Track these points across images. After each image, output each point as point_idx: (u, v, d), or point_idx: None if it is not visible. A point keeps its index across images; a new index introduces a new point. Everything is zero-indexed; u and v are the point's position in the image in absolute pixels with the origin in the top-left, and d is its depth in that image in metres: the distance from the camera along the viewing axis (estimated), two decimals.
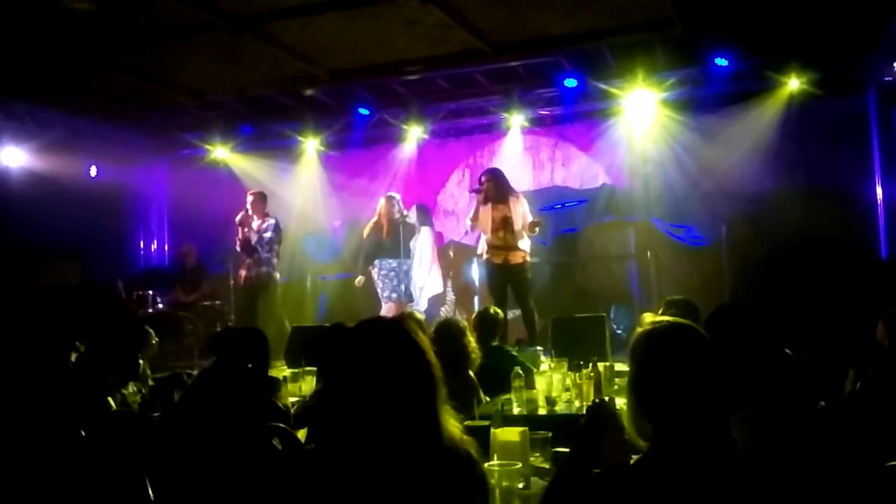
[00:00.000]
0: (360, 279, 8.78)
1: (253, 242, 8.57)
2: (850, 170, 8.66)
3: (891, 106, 8.27)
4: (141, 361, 4.39)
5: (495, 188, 7.56)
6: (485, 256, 7.66)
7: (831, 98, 8.58)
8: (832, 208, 8.49)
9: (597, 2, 7.12)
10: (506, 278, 7.56)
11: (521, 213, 7.54)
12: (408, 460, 1.74)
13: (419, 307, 8.54)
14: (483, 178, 7.70)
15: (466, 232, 8.45)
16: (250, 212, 8.64)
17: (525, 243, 7.57)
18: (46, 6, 6.63)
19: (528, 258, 7.63)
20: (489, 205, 7.54)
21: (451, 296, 9.55)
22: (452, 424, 1.84)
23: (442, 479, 1.76)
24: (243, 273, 8.69)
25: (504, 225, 7.49)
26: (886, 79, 8.17)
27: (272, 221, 8.72)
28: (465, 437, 1.86)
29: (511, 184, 7.84)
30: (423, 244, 8.64)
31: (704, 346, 1.94)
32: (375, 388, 1.75)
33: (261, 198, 8.78)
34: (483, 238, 7.66)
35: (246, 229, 8.63)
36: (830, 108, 8.59)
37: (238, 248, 8.73)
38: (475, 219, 7.64)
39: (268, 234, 8.63)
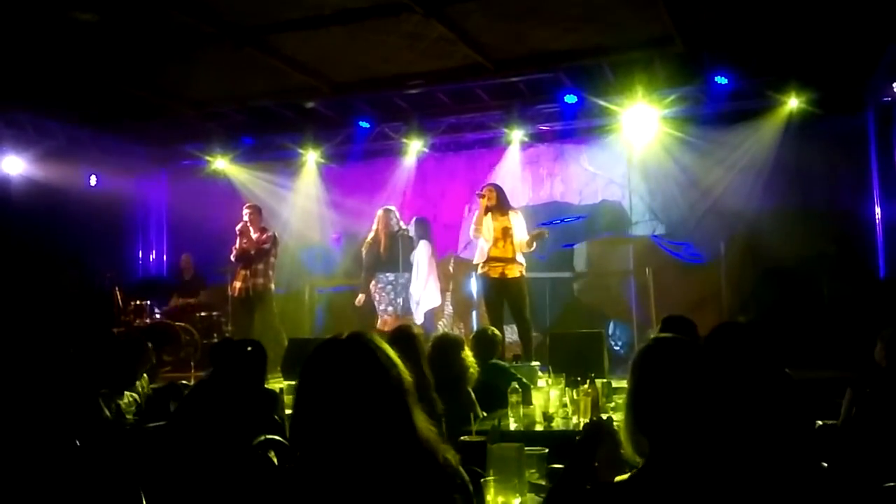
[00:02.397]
0: (360, 298, 8.71)
1: (251, 253, 8.59)
2: (849, 189, 8.68)
3: (889, 126, 8.29)
4: (138, 374, 4.38)
5: (497, 199, 7.62)
6: (481, 269, 7.67)
7: (830, 117, 8.60)
8: (830, 227, 8.51)
9: (597, 19, 7.15)
10: (502, 292, 7.57)
11: (520, 227, 7.60)
12: (386, 465, 1.76)
13: (416, 320, 8.52)
14: (484, 189, 7.75)
15: (468, 244, 8.45)
16: (249, 223, 8.70)
17: (521, 258, 7.60)
18: (49, 16, 6.65)
19: (524, 272, 7.64)
20: (489, 215, 7.58)
21: (449, 309, 9.53)
22: (427, 428, 1.87)
23: (422, 481, 1.78)
24: (238, 284, 8.70)
25: (505, 235, 7.54)
26: (885, 99, 8.19)
27: (271, 234, 8.84)
28: (442, 444, 1.89)
29: (510, 201, 7.88)
30: (420, 257, 8.63)
31: (701, 363, 1.94)
32: (340, 403, 1.79)
33: (257, 210, 8.91)
34: (481, 250, 7.67)
35: (245, 240, 8.66)
36: (829, 128, 8.61)
37: (233, 258, 8.75)
38: (478, 227, 7.67)
39: (266, 247, 8.71)
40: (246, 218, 8.74)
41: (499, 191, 7.76)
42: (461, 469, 1.89)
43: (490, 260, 7.55)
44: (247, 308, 8.71)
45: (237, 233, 8.74)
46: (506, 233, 7.53)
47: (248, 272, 8.64)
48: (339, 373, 1.82)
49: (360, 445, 1.77)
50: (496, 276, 7.55)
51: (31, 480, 2.84)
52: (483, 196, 7.68)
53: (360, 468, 1.75)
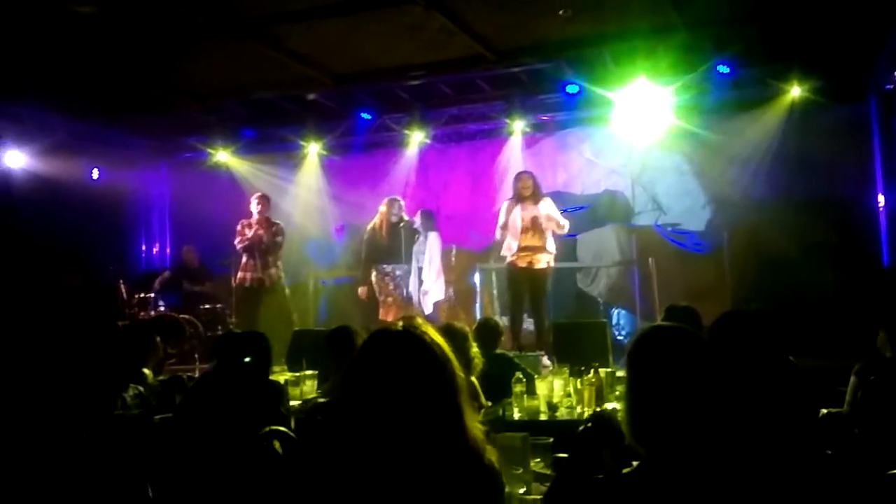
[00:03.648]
0: (362, 290, 8.70)
1: (263, 245, 8.59)
2: (852, 177, 8.66)
3: (892, 114, 8.27)
4: (146, 370, 4.39)
5: (533, 187, 7.69)
6: (508, 259, 7.71)
7: (833, 105, 8.59)
8: (834, 215, 8.51)
9: (599, 7, 7.13)
10: (527, 283, 7.63)
11: (551, 214, 7.64)
12: (433, 462, 1.72)
13: (424, 312, 8.53)
14: (522, 177, 7.82)
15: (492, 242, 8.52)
16: (262, 213, 8.69)
17: (553, 246, 7.67)
18: (49, 9, 6.64)
19: (552, 263, 7.70)
20: (520, 205, 7.64)
21: (452, 300, 9.54)
22: (476, 427, 1.82)
23: (468, 483, 1.74)
24: (248, 275, 8.65)
25: (533, 225, 7.59)
26: (888, 87, 8.17)
27: (281, 225, 8.86)
28: (488, 445, 1.84)
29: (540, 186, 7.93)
30: (431, 249, 8.65)
31: (702, 352, 1.93)
32: (392, 396, 1.74)
33: (267, 200, 8.89)
34: (508, 245, 7.71)
35: (259, 230, 8.64)
36: (832, 116, 8.59)
37: (241, 248, 8.67)
38: (504, 226, 7.71)
39: (280, 239, 8.75)
40: (259, 207, 8.71)
41: (534, 178, 7.82)
42: (502, 474, 1.85)
43: (519, 250, 7.62)
44: (255, 299, 8.67)
45: (247, 223, 8.70)
46: (535, 222, 7.58)
47: (260, 263, 8.60)
48: (394, 366, 1.77)
49: (410, 442, 1.72)
50: (524, 265, 7.62)
51: (37, 472, 2.85)
52: (515, 197, 7.70)
53: (406, 465, 1.71)
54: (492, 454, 1.82)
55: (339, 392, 1.82)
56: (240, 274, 8.74)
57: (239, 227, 8.76)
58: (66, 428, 3.06)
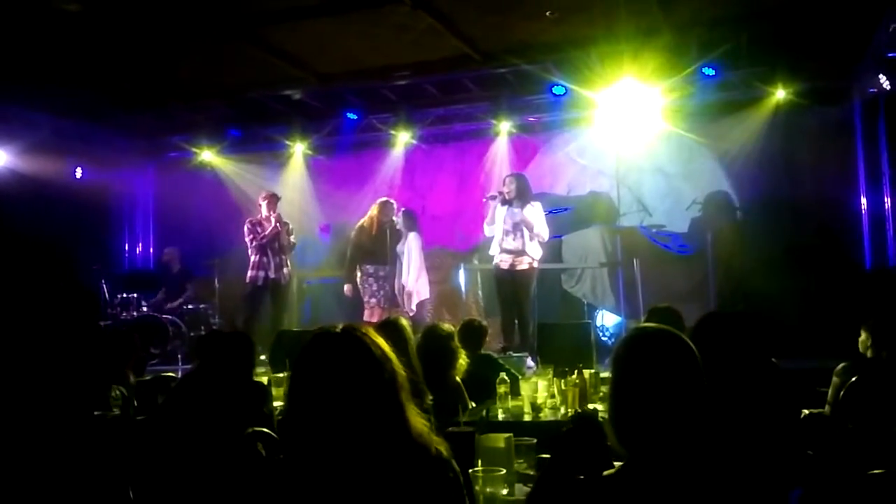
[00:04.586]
0: (347, 287, 8.67)
1: (277, 244, 8.56)
2: (836, 180, 8.71)
3: (875, 117, 8.33)
4: (127, 371, 4.36)
5: (517, 191, 7.70)
6: (494, 261, 7.81)
7: (817, 108, 8.64)
8: (817, 217, 8.56)
9: (586, 9, 7.15)
10: (509, 284, 7.69)
11: (538, 219, 7.67)
12: (379, 459, 1.77)
13: (408, 312, 8.52)
14: (507, 180, 7.87)
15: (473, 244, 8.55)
16: (275, 211, 8.65)
17: (535, 250, 7.68)
18: (34, 6, 6.59)
19: (535, 265, 7.72)
20: (506, 207, 7.67)
21: (437, 301, 9.53)
22: (419, 422, 1.87)
23: (415, 476, 1.79)
24: (260, 273, 8.52)
25: (516, 228, 7.63)
26: (871, 90, 8.23)
27: (291, 225, 8.83)
28: (434, 436, 1.89)
29: (531, 190, 7.95)
30: (411, 249, 8.62)
31: (686, 353, 1.93)
32: (333, 396, 1.79)
33: (278, 199, 8.82)
34: (495, 243, 7.77)
35: (279, 228, 8.59)
36: (816, 119, 8.65)
37: (257, 246, 8.53)
38: (491, 222, 7.79)
39: (293, 238, 8.75)
40: (273, 205, 8.65)
41: (519, 182, 7.82)
42: (453, 461, 1.89)
43: (501, 252, 7.70)
44: (264, 297, 8.61)
45: (257, 220, 8.63)
46: (517, 226, 7.62)
47: (275, 262, 8.54)
48: (334, 366, 1.82)
49: (353, 440, 1.77)
50: (506, 267, 7.69)
51: (18, 472, 2.82)
52: (496, 197, 7.75)
53: (352, 462, 1.76)
54: (440, 445, 1.87)
55: (287, 393, 1.87)
56: (251, 272, 8.56)
57: (249, 226, 8.62)
58: (47, 428, 3.03)
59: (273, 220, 8.60)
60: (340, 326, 1.90)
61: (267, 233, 8.54)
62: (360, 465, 1.75)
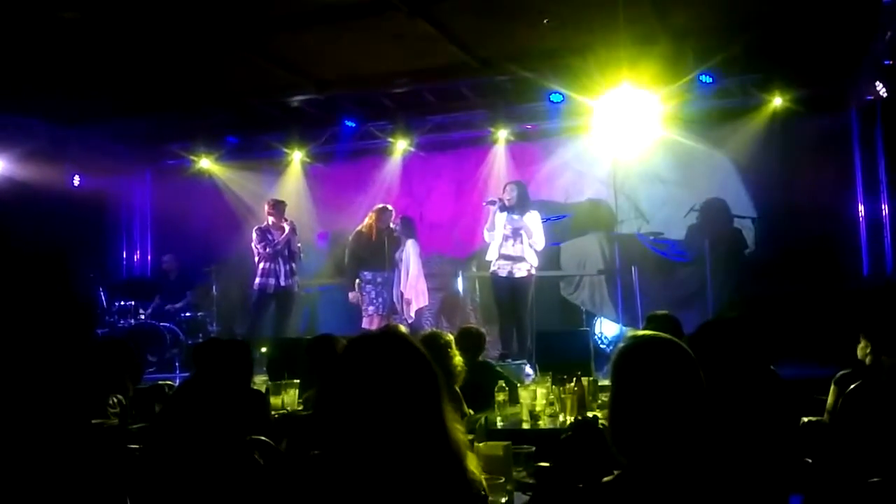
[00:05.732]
0: (352, 295, 8.61)
1: (287, 251, 8.57)
2: (833, 187, 8.72)
3: (872, 124, 8.35)
4: (125, 379, 4.34)
5: (518, 198, 7.74)
6: (492, 268, 7.83)
7: (814, 116, 8.66)
8: (815, 225, 8.55)
9: (583, 17, 7.16)
10: (507, 291, 7.71)
11: (536, 227, 7.71)
12: (416, 467, 1.71)
13: (407, 320, 8.51)
14: (508, 187, 7.91)
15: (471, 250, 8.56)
16: (276, 219, 8.66)
17: (532, 257, 7.70)
18: (32, 14, 6.60)
19: (533, 272, 7.75)
20: (505, 213, 7.70)
21: (435, 308, 9.52)
22: (457, 429, 1.82)
23: (447, 489, 1.74)
24: (271, 281, 8.50)
25: (515, 235, 7.67)
26: (868, 98, 8.25)
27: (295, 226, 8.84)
28: (469, 452, 1.84)
29: (529, 199, 8.01)
30: (409, 256, 8.62)
31: (684, 360, 1.93)
32: (377, 400, 1.73)
33: (285, 205, 8.86)
34: (493, 249, 7.79)
35: (292, 235, 8.60)
36: (814, 126, 8.66)
37: (269, 253, 8.50)
38: (491, 228, 7.83)
39: (300, 245, 8.76)
40: (280, 212, 8.68)
41: (520, 189, 7.87)
42: (483, 479, 1.85)
43: (500, 257, 7.73)
44: (272, 305, 8.60)
45: (266, 228, 8.63)
46: (516, 233, 7.67)
47: (285, 269, 8.54)
48: (380, 367, 1.76)
49: (394, 446, 1.71)
50: (504, 274, 7.72)
51: (15, 482, 2.81)
52: (496, 202, 7.78)
53: (388, 470, 1.70)
54: (472, 461, 1.82)
55: (322, 398, 1.81)
56: (260, 279, 8.52)
57: (258, 233, 8.59)
58: (45, 436, 3.02)
59: (287, 226, 8.59)
60: (384, 329, 1.85)
61: (280, 239, 8.53)
62: (395, 472, 1.69)
